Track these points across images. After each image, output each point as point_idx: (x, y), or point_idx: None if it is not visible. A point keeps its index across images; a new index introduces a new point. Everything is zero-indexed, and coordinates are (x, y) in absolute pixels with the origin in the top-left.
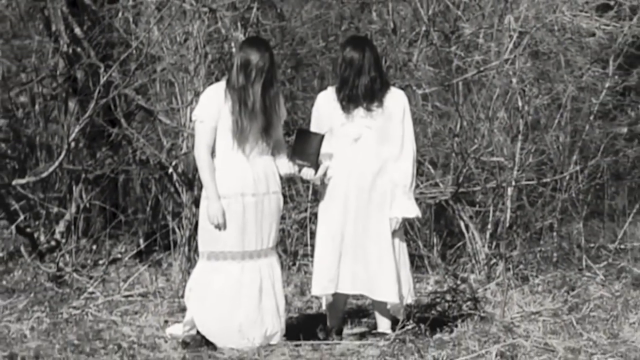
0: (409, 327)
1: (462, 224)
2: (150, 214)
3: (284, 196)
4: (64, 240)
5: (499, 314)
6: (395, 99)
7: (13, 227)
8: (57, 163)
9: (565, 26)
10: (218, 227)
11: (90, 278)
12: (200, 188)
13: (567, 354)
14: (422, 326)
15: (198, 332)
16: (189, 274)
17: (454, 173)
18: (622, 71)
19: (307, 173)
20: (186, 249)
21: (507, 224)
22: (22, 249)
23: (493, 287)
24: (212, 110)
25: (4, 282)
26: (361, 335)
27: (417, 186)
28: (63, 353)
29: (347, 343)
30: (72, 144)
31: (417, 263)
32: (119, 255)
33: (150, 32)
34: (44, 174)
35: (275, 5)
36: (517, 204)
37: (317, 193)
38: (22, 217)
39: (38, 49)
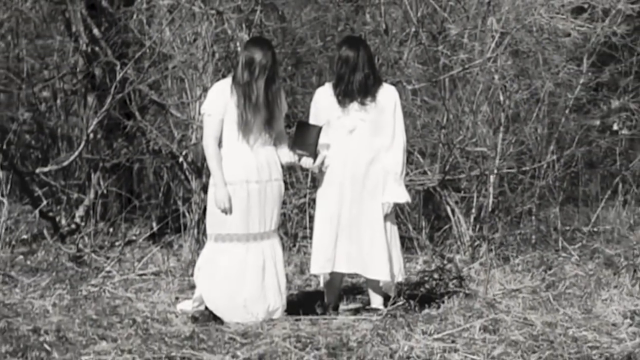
0: (400, 303)
1: (448, 209)
2: (162, 199)
3: (285, 183)
4: (83, 224)
5: (482, 291)
6: (387, 94)
7: (37, 211)
8: (77, 153)
9: (543, 27)
10: (224, 211)
11: (107, 258)
12: (208, 175)
13: (545, 327)
14: (412, 302)
15: (206, 308)
16: (198, 254)
17: (441, 162)
18: (595, 69)
19: (306, 162)
20: (195, 231)
21: (490, 209)
22: (45, 231)
23: (477, 267)
24: (219, 104)
25: (28, 262)
26: (356, 311)
27: (407, 174)
28: (82, 327)
29: (343, 318)
30: (91, 135)
31: (407, 244)
32: (134, 237)
33: (162, 33)
34: (65, 163)
35: (277, 8)
36: (498, 190)
37: (315, 180)
38: (45, 202)
39: (59, 48)
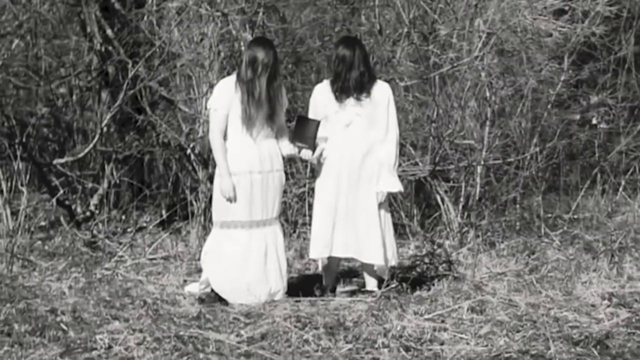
0: (393, 285)
1: (438, 198)
2: (171, 188)
3: (286, 173)
4: (97, 211)
5: (469, 275)
6: (381, 90)
7: (54, 200)
8: (91, 145)
9: (527, 28)
10: (229, 200)
11: (120, 244)
12: (214, 166)
13: (528, 308)
14: (404, 285)
15: (212, 290)
16: (204, 240)
17: (431, 154)
18: (575, 67)
19: (306, 154)
20: (202, 218)
21: (477, 198)
22: (61, 218)
23: (465, 252)
24: (224, 100)
25: (46, 247)
26: (352, 293)
27: (399, 165)
28: (97, 308)
29: (339, 299)
30: (104, 129)
31: (399, 231)
32: (145, 224)
33: (171, 33)
34: (80, 155)
35: (278, 10)
36: (485, 180)
37: (314, 171)
38: (61, 191)
39: (75, 48)
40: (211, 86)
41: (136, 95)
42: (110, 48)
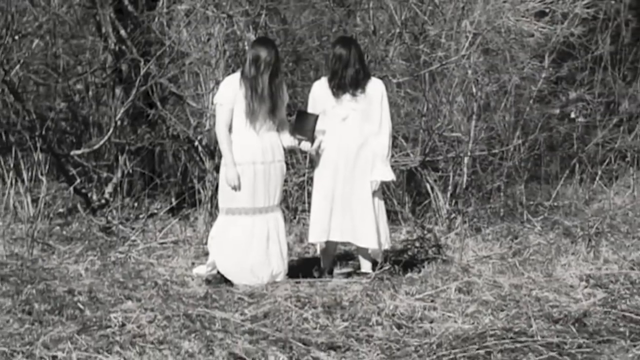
0: (386, 268)
1: (428, 186)
2: (180, 178)
3: (286, 164)
4: (111, 199)
5: (457, 258)
6: (375, 86)
7: (71, 188)
8: (106, 137)
9: (510, 29)
10: (234, 188)
11: (133, 229)
12: (220, 157)
13: (512, 289)
14: (396, 267)
15: (218, 272)
16: (211, 225)
17: (422, 146)
18: (555, 64)
19: (305, 145)
20: (209, 205)
21: (464, 186)
22: (78, 205)
23: (452, 236)
24: (229, 95)
25: (64, 232)
26: (348, 274)
27: (392, 156)
28: (111, 288)
29: (336, 280)
30: (118, 123)
31: (392, 217)
32: (155, 211)
33: (180, 34)
34: (96, 146)
35: (280, 12)
36: (471, 170)
37: (313, 161)
38: (78, 180)
39: (91, 47)
40: (217, 83)
41: (148, 91)
42: (123, 47)
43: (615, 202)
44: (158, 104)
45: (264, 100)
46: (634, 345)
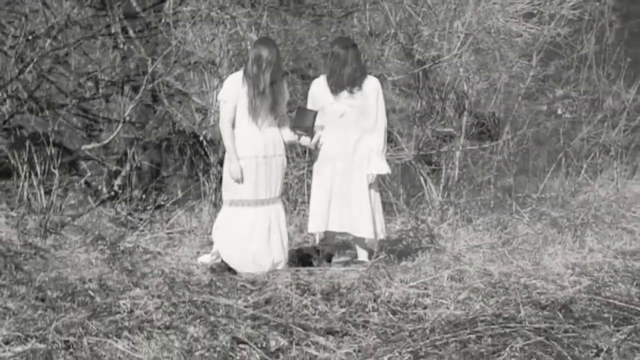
0: (382, 257)
1: (421, 179)
2: (186, 171)
3: (287, 158)
4: (120, 191)
5: (449, 247)
6: (371, 84)
7: (82, 181)
8: (115, 133)
9: (500, 29)
10: (237, 181)
11: (141, 220)
12: (224, 152)
13: (501, 277)
14: (392, 256)
15: (222, 261)
16: (215, 216)
17: (416, 140)
18: (543, 63)
19: (305, 140)
20: (213, 197)
21: (456, 179)
22: (89, 197)
23: (445, 227)
24: (232, 93)
25: (76, 223)
26: (345, 263)
27: (387, 150)
28: (120, 276)
29: (334, 269)
30: (127, 119)
31: (387, 208)
32: (162, 203)
33: (186, 34)
34: (106, 141)
35: (280, 13)
36: (463, 164)
37: (312, 155)
38: (89, 173)
39: (101, 47)
40: (221, 80)
41: (155, 89)
42: (132, 47)
43: (600, 194)
44: (165, 101)
45: (266, 97)
46: (617, 330)
